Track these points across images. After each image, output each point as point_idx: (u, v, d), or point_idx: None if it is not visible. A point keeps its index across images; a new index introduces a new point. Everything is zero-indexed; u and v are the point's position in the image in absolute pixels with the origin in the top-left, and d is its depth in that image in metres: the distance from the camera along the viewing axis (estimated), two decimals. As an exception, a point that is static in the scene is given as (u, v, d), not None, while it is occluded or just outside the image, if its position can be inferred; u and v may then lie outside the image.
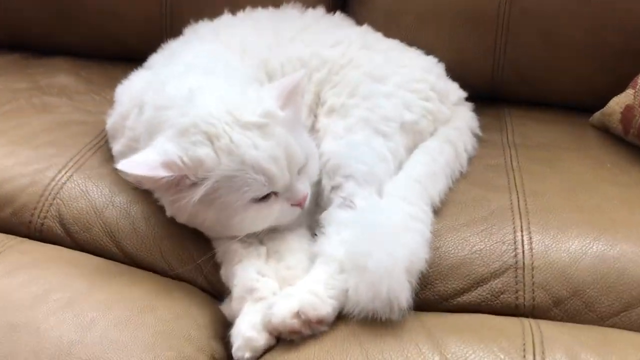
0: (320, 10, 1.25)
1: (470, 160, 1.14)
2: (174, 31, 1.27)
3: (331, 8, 1.29)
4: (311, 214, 0.99)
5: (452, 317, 0.90)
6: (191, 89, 0.92)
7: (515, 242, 0.95)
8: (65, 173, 1.07)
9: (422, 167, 1.04)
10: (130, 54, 1.29)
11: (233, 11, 1.23)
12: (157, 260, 0.99)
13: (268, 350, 0.85)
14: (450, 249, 0.95)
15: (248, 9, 1.24)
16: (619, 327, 0.88)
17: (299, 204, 0.92)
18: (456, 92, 1.21)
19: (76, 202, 1.03)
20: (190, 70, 1.00)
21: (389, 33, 1.25)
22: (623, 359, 0.80)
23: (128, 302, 0.89)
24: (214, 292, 0.97)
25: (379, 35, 1.24)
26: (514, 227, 0.97)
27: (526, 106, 1.33)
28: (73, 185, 1.05)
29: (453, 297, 0.93)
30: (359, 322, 0.85)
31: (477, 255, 0.94)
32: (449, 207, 1.02)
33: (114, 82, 1.14)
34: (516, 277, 0.92)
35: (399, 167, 1.04)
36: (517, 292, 0.91)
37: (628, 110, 1.16)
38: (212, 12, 1.23)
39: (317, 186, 1.00)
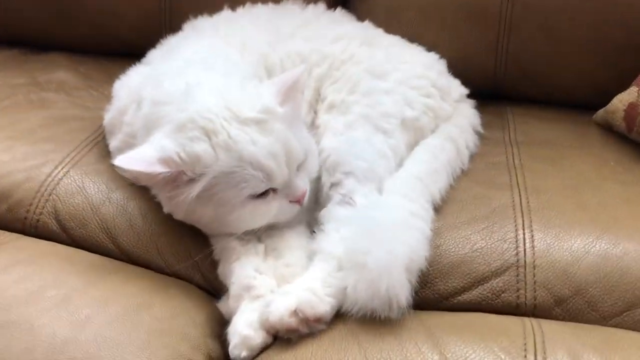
0: (320, 6, 1.25)
1: (472, 157, 1.13)
2: (173, 27, 1.26)
3: (332, 4, 1.29)
4: (310, 211, 0.99)
5: (452, 316, 0.89)
6: (189, 84, 0.92)
7: (516, 241, 0.95)
8: (62, 169, 1.06)
9: (423, 164, 1.03)
10: (129, 50, 1.28)
11: (233, 7, 1.23)
12: (153, 257, 0.98)
13: (265, 349, 0.85)
14: (451, 247, 0.95)
15: (248, 5, 1.23)
16: (622, 327, 0.88)
17: (298, 201, 0.92)
18: (458, 88, 1.20)
19: (72, 198, 1.02)
20: (189, 66, 1.00)
21: (390, 29, 1.25)
22: (626, 359, 0.79)
23: (124, 299, 0.89)
24: (211, 289, 0.97)
25: (380, 32, 1.24)
26: (515, 225, 0.97)
27: (528, 104, 1.33)
28: (69, 181, 1.04)
29: (453, 296, 0.92)
30: (357, 321, 0.84)
31: (478, 254, 0.94)
32: (450, 205, 1.01)
33: (113, 78, 1.14)
34: (517, 275, 0.92)
35: (400, 164, 1.03)
36: (518, 291, 0.91)
37: (632, 107, 1.16)
38: (212, 8, 1.23)
39: (317, 183, 1.00)
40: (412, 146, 1.07)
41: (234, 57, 1.07)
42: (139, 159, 0.85)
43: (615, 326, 0.88)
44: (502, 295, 0.91)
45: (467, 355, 0.79)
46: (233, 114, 0.87)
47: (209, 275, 0.97)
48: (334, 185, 0.99)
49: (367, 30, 1.22)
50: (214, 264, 0.95)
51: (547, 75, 1.30)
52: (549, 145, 1.18)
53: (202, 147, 0.85)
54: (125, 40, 1.43)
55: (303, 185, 0.92)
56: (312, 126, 1.07)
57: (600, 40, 1.24)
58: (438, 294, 0.92)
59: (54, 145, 1.11)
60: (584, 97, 1.30)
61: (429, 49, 1.23)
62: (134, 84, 1.05)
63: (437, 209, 0.99)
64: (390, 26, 1.25)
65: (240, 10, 1.22)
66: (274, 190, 0.89)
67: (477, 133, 1.18)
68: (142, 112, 0.95)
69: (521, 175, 1.08)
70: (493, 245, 0.94)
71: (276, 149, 0.87)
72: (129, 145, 0.96)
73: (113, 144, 1.05)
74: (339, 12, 1.26)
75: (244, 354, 0.84)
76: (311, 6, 1.23)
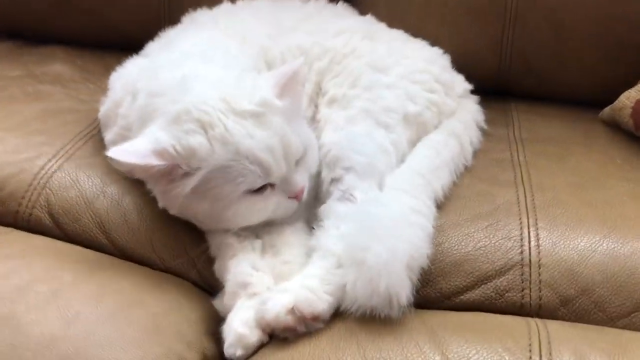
0: (322, 0, 1.23)
1: (475, 154, 1.12)
2: (173, 19, 1.25)
3: (334, -2, 1.28)
4: (309, 207, 0.97)
5: (455, 315, 0.88)
6: (185, 75, 0.90)
7: (521, 239, 0.93)
8: (56, 162, 1.05)
9: (426, 160, 1.02)
10: (128, 43, 1.26)
11: (232, 0, 1.22)
12: (148, 252, 0.97)
13: (261, 347, 0.83)
14: (454, 244, 0.93)
15: (248, -3, 1.22)
16: (630, 329, 0.86)
17: (296, 197, 0.91)
18: (462, 84, 1.19)
19: (66, 191, 1.01)
20: (187, 58, 0.99)
21: (392, 23, 1.24)
22: (634, 361, 0.78)
23: (116, 295, 0.88)
24: (207, 286, 0.96)
25: (382, 26, 1.23)
26: (520, 223, 0.95)
27: (532, 101, 1.32)
28: (63, 174, 1.03)
29: (456, 295, 0.91)
30: (356, 320, 0.83)
31: (482, 252, 0.92)
32: (453, 202, 1.00)
33: (110, 70, 1.12)
34: (522, 274, 0.90)
35: (401, 159, 1.02)
36: (523, 290, 0.89)
37: (639, 104, 1.15)
38: (211, 1, 1.22)
39: (317, 178, 0.99)
40: (414, 142, 1.05)
41: (234, 50, 1.06)
42: (133, 151, 0.84)
43: (623, 327, 0.87)
44: (506, 294, 0.90)
45: (470, 355, 0.78)
46: (230, 106, 0.86)
47: (205, 272, 0.95)
48: (334, 180, 0.97)
49: (369, 24, 1.21)
50: (210, 261, 0.94)
51: (552, 70, 1.29)
52: (554, 143, 1.17)
53: (197, 140, 0.84)
54: (123, 32, 1.42)
55: (302, 180, 0.91)
56: (313, 120, 1.05)
57: (605, 35, 1.23)
58: (440, 292, 0.91)
59: (47, 138, 1.09)
60: (588, 94, 1.29)
61: (432, 43, 1.22)
62: (130, 75, 1.03)
63: (440, 206, 0.98)
64: (392, 20, 1.24)
65: (240, 3, 1.21)
66: (271, 185, 0.88)
67: (481, 129, 1.16)
68: (137, 104, 0.94)
69: (526, 173, 1.06)
70: (497, 243, 0.93)
71: (273, 143, 0.86)
72: (124, 138, 0.94)
73: (108, 137, 1.04)
74: (341, 6, 1.25)
75: (239, 352, 0.83)
76: (313, 0, 1.22)
